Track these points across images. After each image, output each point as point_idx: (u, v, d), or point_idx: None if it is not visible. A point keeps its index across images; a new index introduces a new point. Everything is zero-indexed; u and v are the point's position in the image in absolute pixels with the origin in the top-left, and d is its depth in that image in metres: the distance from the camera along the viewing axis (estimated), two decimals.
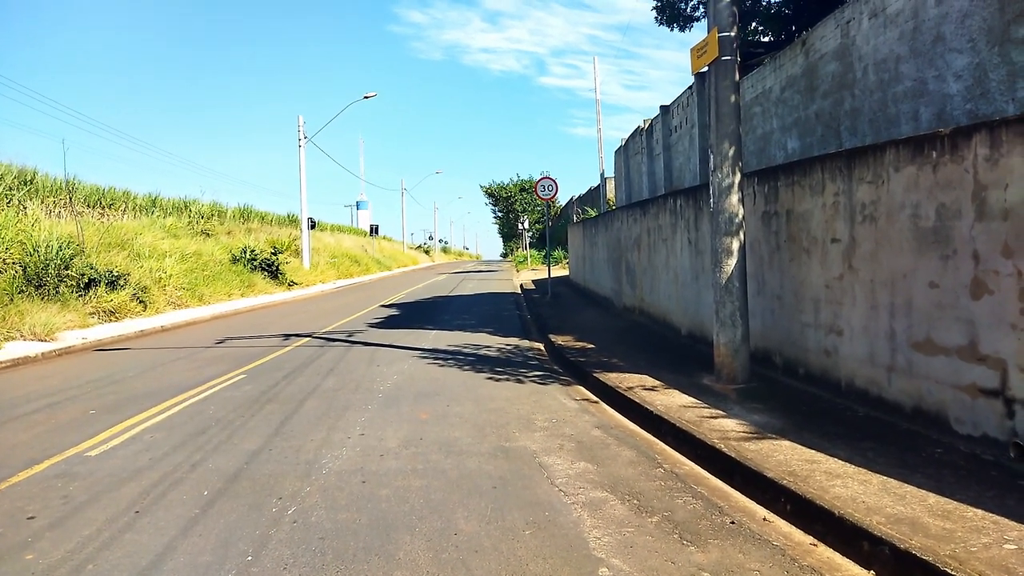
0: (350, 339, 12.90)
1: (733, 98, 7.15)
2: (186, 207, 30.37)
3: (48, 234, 16.24)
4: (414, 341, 12.26)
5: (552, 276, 22.20)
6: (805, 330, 6.90)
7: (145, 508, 4.57)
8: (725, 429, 5.56)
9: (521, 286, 27.49)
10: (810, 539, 3.90)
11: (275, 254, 28.97)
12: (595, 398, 7.65)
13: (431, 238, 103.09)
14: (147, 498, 4.75)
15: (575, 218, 37.36)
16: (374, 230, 58.45)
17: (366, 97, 34.73)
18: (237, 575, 3.60)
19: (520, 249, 60.67)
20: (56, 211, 20.20)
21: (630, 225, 14.55)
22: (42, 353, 11.72)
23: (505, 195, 74.05)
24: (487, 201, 78.51)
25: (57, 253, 15.64)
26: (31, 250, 15.26)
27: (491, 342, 12.05)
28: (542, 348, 11.47)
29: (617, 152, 31.79)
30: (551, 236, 25.46)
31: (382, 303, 21.71)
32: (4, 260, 14.67)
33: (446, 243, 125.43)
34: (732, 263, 7.06)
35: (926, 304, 5.17)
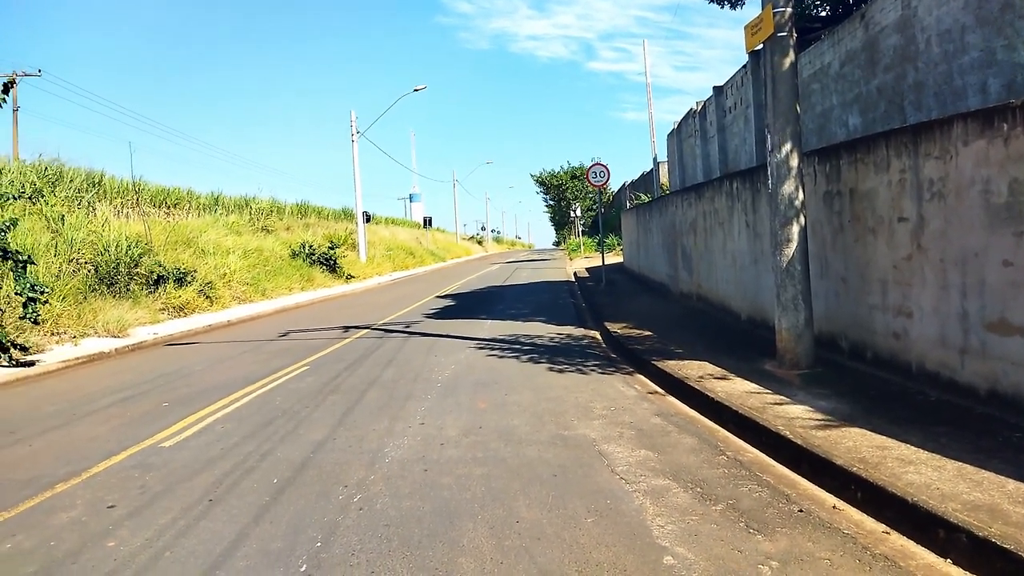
0: (407, 330, 13.08)
1: (790, 76, 6.94)
2: (247, 204, 31.22)
3: (117, 234, 16.93)
4: (470, 331, 12.36)
5: (606, 263, 22.03)
6: (872, 312, 6.68)
7: (218, 497, 4.74)
8: (790, 415, 5.44)
9: (575, 274, 27.39)
10: (882, 527, 3.79)
11: (332, 248, 29.54)
12: (654, 386, 7.58)
13: (483, 228, 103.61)
14: (220, 487, 4.93)
15: (628, 204, 36.95)
16: (427, 222, 59.00)
17: (416, 90, 35.01)
18: (307, 560, 3.70)
19: (572, 237, 60.36)
20: (124, 211, 21.02)
21: (685, 209, 14.32)
22: (115, 349, 12.22)
23: (556, 183, 73.69)
24: (538, 190, 78.34)
25: (127, 252, 16.30)
26: (102, 250, 15.93)
27: (546, 331, 12.05)
28: (598, 336, 11.42)
29: (669, 136, 31.29)
30: (604, 223, 25.26)
31: (437, 294, 21.93)
32: (77, 260, 15.35)
33: (498, 233, 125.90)
34: (793, 245, 6.88)
35: (1000, 283, 4.94)
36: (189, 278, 18.07)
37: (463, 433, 6.00)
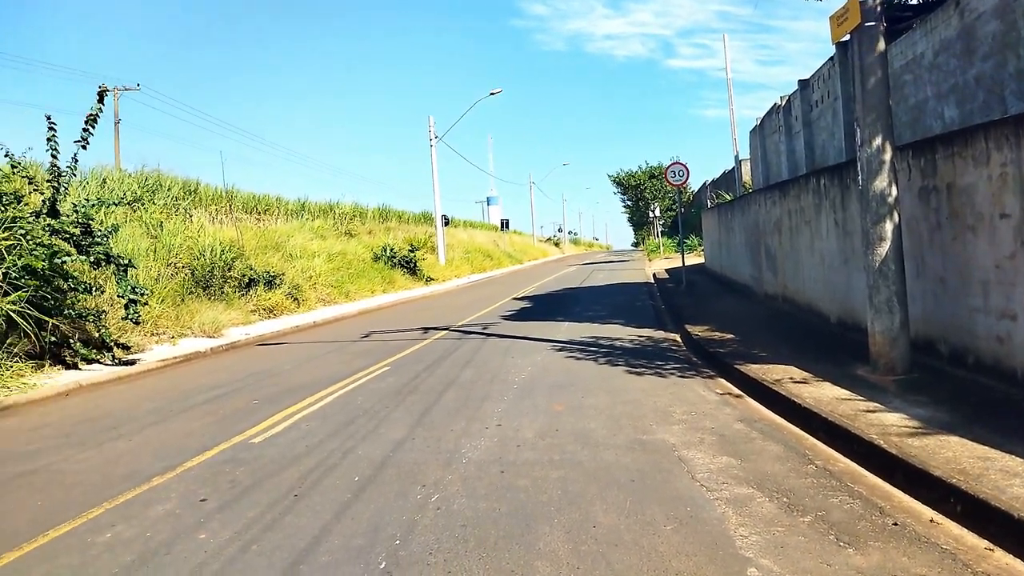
0: (485, 332, 13.18)
1: (880, 66, 6.62)
2: (331, 209, 32.26)
3: (212, 239, 17.78)
4: (547, 333, 12.34)
5: (686, 264, 21.60)
6: (973, 315, 6.28)
7: (303, 492, 4.89)
8: (884, 424, 5.17)
9: (654, 275, 26.97)
10: (985, 543, 3.55)
11: (412, 251, 30.13)
12: (737, 390, 7.36)
13: (560, 230, 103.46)
14: (304, 483, 5.08)
15: (708, 203, 36.14)
16: (505, 225, 59.42)
17: (492, 94, 35.31)
18: (387, 557, 3.77)
19: (651, 237, 59.47)
20: (218, 218, 22.06)
21: (769, 208, 13.88)
22: (211, 348, 12.82)
23: (634, 183, 72.80)
24: (615, 190, 77.63)
25: (221, 256, 17.09)
26: (198, 254, 16.77)
27: (624, 333, 11.91)
28: (678, 339, 11.19)
29: (752, 132, 30.42)
30: (684, 223, 24.77)
31: (514, 296, 22.03)
32: (175, 264, 16.21)
33: (575, 234, 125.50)
34: (886, 244, 6.55)
35: None
36: (278, 281, 18.79)
37: (539, 435, 5.98)
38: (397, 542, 3.97)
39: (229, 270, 17.24)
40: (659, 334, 11.71)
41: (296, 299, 19.19)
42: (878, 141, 6.59)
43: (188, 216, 20.14)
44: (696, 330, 10.86)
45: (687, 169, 20.06)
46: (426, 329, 14.11)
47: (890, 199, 6.56)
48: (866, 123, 6.65)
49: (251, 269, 18.06)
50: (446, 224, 37.08)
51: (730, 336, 10.06)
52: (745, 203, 17.16)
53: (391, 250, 29.20)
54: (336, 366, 10.27)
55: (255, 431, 6.66)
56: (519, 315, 16.22)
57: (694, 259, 31.55)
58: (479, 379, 8.59)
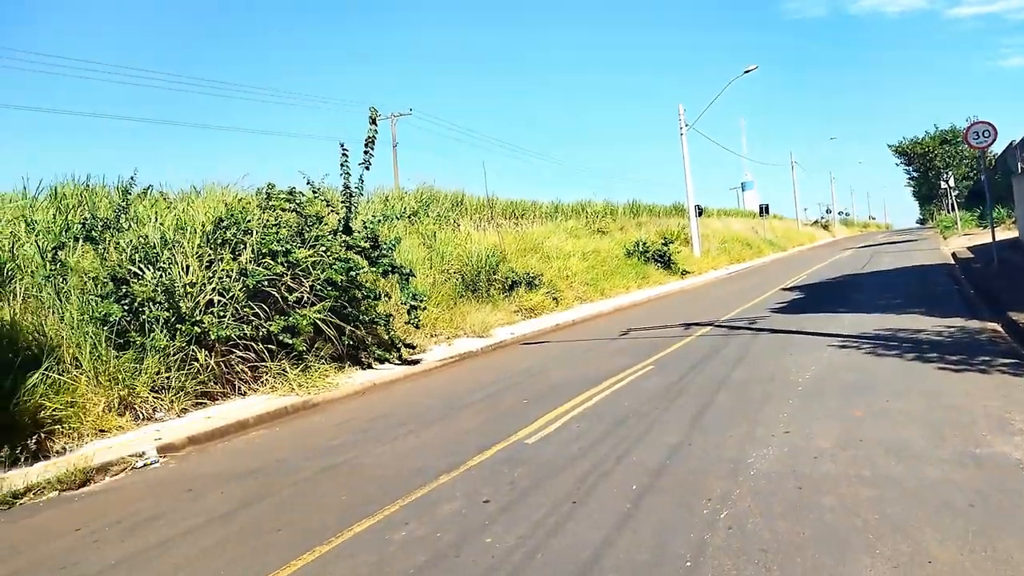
0: (753, 327, 12.25)
1: None
2: (582, 209, 32.79)
3: (477, 245, 18.86)
4: (827, 326, 11.09)
5: (996, 239, 18.30)
6: None
7: (580, 499, 4.73)
8: None
9: (953, 255, 23.40)
10: None
11: (665, 244, 29.42)
12: None
13: (828, 211, 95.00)
14: (581, 488, 4.93)
15: (1020, 167, 30.54)
16: (764, 210, 55.85)
17: (746, 71, 33.17)
18: None
19: (944, 212, 51.96)
20: (481, 225, 23.42)
21: None
22: (481, 348, 13.50)
23: (921, 151, 64.15)
24: (898, 161, 69.10)
25: (486, 261, 18.06)
26: (466, 260, 17.88)
27: (925, 324, 10.27)
28: (999, 328, 9.37)
29: None
30: (990, 192, 21.04)
31: (782, 286, 20.38)
32: (447, 270, 17.42)
33: (846, 215, 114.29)
34: None
35: None
36: (537, 281, 19.37)
37: (839, 445, 5.23)
38: (687, 563, 3.61)
39: (494, 273, 18.13)
40: (973, 323, 9.92)
41: (555, 298, 19.62)
42: None
43: (456, 225, 21.63)
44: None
45: (993, 128, 16.98)
46: (687, 325, 13.50)
47: None
48: None
49: (513, 271, 18.82)
50: (699, 214, 35.71)
51: None
52: None
53: (643, 244, 28.79)
54: (598, 365, 10.15)
55: (528, 431, 6.71)
56: (790, 307, 14.90)
57: (1004, 233, 26.87)
58: (754, 379, 7.89)
